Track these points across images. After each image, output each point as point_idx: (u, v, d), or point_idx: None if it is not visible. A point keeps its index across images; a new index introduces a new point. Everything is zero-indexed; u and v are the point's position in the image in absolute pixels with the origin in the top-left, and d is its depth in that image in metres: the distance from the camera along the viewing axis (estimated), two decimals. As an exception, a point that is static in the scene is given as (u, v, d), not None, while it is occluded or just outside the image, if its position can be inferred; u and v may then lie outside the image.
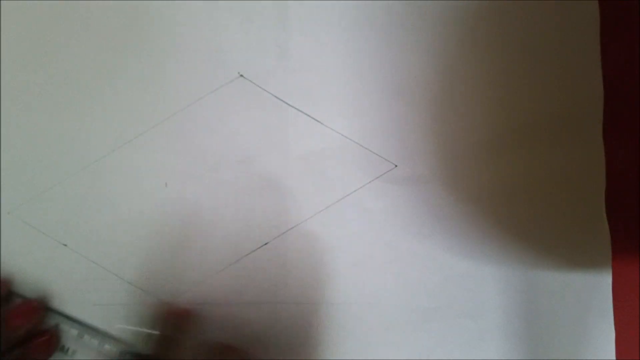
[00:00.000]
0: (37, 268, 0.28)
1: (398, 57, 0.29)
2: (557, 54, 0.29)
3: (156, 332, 0.25)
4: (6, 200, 0.28)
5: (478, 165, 0.29)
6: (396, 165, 0.29)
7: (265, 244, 0.29)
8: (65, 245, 0.28)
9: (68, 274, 0.28)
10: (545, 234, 0.28)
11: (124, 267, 0.28)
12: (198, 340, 0.27)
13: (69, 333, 0.27)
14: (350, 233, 0.29)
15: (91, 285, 0.28)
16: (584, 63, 0.29)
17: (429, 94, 0.29)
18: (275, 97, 0.29)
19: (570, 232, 0.28)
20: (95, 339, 0.27)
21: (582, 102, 0.28)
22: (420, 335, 0.29)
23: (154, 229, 0.28)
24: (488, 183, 0.29)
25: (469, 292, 0.29)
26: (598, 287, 0.28)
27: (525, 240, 0.28)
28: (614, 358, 0.28)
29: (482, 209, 0.29)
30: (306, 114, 0.29)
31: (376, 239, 0.29)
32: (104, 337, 0.27)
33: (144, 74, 0.29)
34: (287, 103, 0.29)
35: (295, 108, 0.29)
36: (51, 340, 0.27)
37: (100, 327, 0.28)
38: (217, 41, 0.29)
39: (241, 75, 0.29)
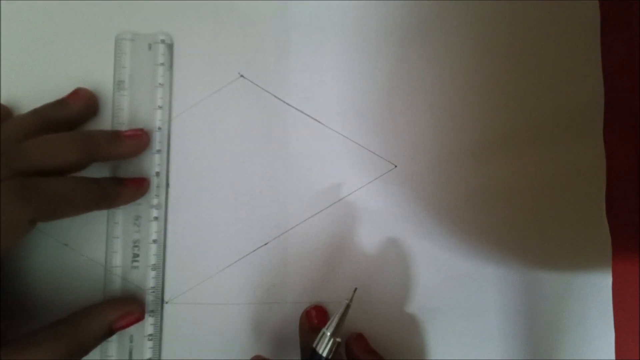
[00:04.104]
0: (37, 268, 0.28)
1: (398, 57, 0.29)
2: (557, 54, 0.29)
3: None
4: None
5: (478, 166, 0.29)
6: (396, 166, 0.29)
7: (265, 244, 0.29)
8: (66, 245, 0.28)
9: (68, 273, 0.28)
10: (546, 234, 0.28)
11: (124, 267, 0.28)
12: None
13: None
14: (350, 233, 0.29)
15: (92, 285, 0.28)
16: (584, 63, 0.29)
17: (429, 94, 0.29)
18: (275, 97, 0.29)
19: (570, 232, 0.28)
20: None
21: (582, 102, 0.28)
22: (420, 335, 0.28)
23: (154, 229, 0.28)
24: (488, 183, 0.28)
25: (469, 292, 0.28)
26: (598, 287, 0.28)
27: (525, 241, 0.28)
28: (614, 358, 0.27)
29: (482, 209, 0.28)
30: (306, 114, 0.29)
31: (376, 239, 0.29)
32: None
33: (145, 75, 0.29)
34: (287, 103, 0.29)
35: (295, 108, 0.29)
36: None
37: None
38: (217, 42, 0.29)
39: (241, 76, 0.29)
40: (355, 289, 0.26)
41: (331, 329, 0.25)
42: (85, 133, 0.27)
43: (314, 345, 0.25)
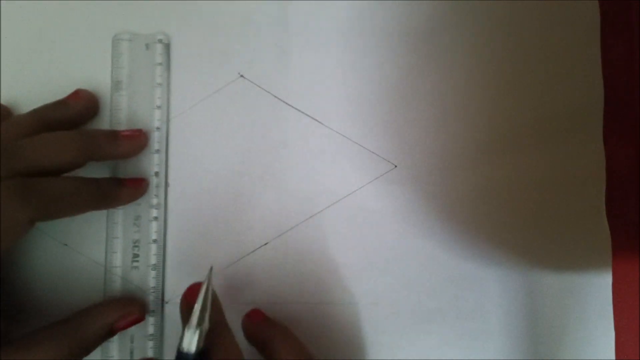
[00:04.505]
0: (36, 268, 0.28)
1: (398, 57, 0.29)
2: (557, 54, 0.29)
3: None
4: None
5: (478, 166, 0.29)
6: (396, 166, 0.29)
7: (265, 244, 0.29)
8: (66, 245, 0.28)
9: (68, 274, 0.28)
10: (546, 234, 0.28)
11: (124, 267, 0.28)
12: None
13: None
14: (350, 233, 0.29)
15: (92, 286, 0.28)
16: (584, 63, 0.29)
17: (429, 94, 0.29)
18: (275, 97, 0.29)
19: (570, 232, 0.28)
20: None
21: (582, 102, 0.28)
22: (420, 336, 0.28)
23: (154, 229, 0.28)
24: (488, 183, 0.29)
25: (469, 292, 0.28)
26: (598, 287, 0.28)
27: (525, 241, 0.28)
28: (614, 358, 0.28)
29: (482, 209, 0.29)
30: (306, 114, 0.29)
31: (376, 239, 0.29)
32: None
33: (143, 75, 0.29)
34: (287, 103, 0.29)
35: (295, 108, 0.29)
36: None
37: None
38: (217, 42, 0.29)
39: (241, 76, 0.29)
40: (211, 268, 0.24)
41: (194, 321, 0.22)
42: (83, 132, 0.27)
43: (178, 346, 0.22)
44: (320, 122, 0.29)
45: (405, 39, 0.29)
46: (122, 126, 0.28)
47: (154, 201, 0.28)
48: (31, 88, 0.29)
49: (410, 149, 0.29)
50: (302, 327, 0.28)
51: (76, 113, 0.27)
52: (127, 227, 0.28)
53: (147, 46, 0.29)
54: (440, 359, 0.28)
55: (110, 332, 0.26)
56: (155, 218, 0.28)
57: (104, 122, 0.29)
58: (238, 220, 0.29)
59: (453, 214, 0.28)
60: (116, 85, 0.29)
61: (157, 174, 0.28)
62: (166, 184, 0.29)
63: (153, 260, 0.28)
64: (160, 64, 0.29)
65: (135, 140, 0.28)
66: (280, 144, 0.29)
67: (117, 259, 0.28)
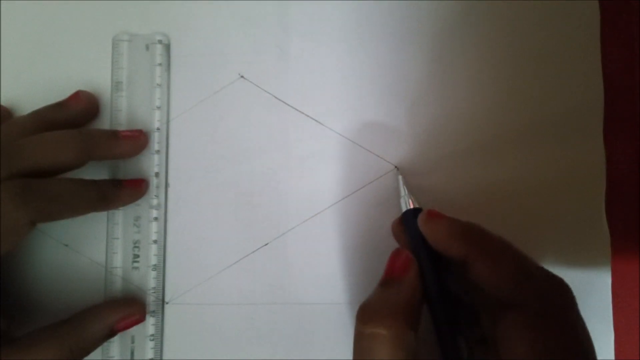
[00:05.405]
0: (37, 268, 0.28)
1: (398, 57, 0.29)
2: (557, 54, 0.29)
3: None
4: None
5: (478, 166, 0.29)
6: (396, 166, 0.29)
7: (266, 244, 0.29)
8: (67, 245, 0.28)
9: (68, 274, 0.28)
10: (545, 234, 0.28)
11: (125, 267, 0.28)
12: None
13: None
14: (350, 233, 0.29)
15: (92, 286, 0.28)
16: (584, 63, 0.29)
17: (429, 94, 0.29)
18: (275, 97, 0.29)
19: (570, 232, 0.28)
20: None
21: (582, 102, 0.28)
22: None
23: (154, 230, 0.28)
24: (488, 183, 0.29)
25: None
26: (597, 287, 0.28)
27: (525, 241, 0.28)
28: (613, 358, 0.28)
29: (482, 209, 0.28)
30: (306, 114, 0.29)
31: (376, 240, 0.29)
32: None
33: (142, 75, 0.29)
34: (287, 103, 0.29)
35: (295, 108, 0.29)
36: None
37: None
38: (217, 43, 0.29)
39: (242, 77, 0.29)
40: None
41: (406, 196, 0.27)
42: (83, 132, 0.27)
43: (405, 210, 0.26)
44: (320, 122, 0.29)
45: (404, 39, 0.29)
46: (122, 127, 0.28)
47: (154, 202, 0.28)
48: (31, 89, 0.29)
49: (410, 149, 0.29)
50: (301, 327, 0.28)
51: (76, 114, 0.27)
52: (128, 228, 0.28)
53: (147, 47, 0.29)
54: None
55: (110, 333, 0.26)
56: (156, 218, 0.28)
57: (104, 123, 0.29)
58: (238, 220, 0.29)
59: (453, 215, 0.28)
60: (116, 86, 0.29)
61: (157, 174, 0.28)
62: (166, 185, 0.29)
63: (153, 260, 0.28)
64: (160, 64, 0.29)
65: (135, 141, 0.28)
66: (280, 144, 0.29)
67: (118, 260, 0.28)
